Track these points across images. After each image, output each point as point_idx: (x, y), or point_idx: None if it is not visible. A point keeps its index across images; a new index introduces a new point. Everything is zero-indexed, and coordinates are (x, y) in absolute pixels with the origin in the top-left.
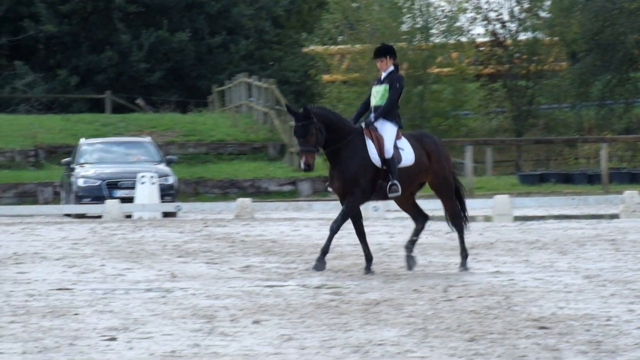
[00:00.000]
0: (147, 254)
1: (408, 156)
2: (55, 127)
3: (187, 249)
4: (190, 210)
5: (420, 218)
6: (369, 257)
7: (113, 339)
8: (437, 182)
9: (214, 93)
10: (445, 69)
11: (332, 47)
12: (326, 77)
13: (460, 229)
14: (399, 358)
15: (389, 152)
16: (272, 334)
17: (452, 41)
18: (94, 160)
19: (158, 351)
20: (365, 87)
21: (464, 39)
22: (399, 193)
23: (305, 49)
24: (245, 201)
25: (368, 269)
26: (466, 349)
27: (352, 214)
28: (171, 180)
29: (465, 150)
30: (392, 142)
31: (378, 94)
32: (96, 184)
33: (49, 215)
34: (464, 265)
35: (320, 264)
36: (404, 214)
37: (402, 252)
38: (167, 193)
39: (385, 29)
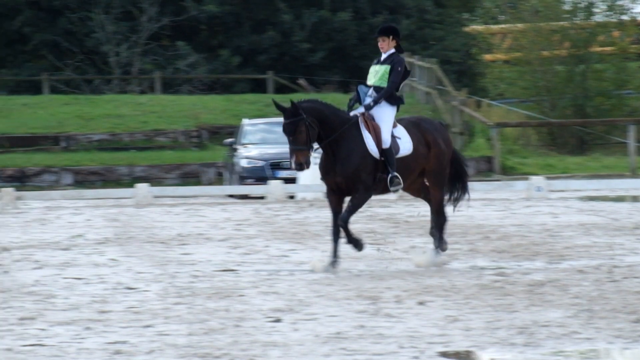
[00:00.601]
0: (311, 235)
1: (406, 145)
2: (217, 107)
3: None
4: None
5: (441, 218)
6: (335, 253)
7: (278, 320)
8: (432, 170)
9: None
10: (608, 48)
11: (493, 26)
12: (488, 56)
13: (442, 223)
14: (564, 339)
15: (386, 142)
16: (437, 315)
17: (614, 20)
18: (256, 140)
19: (323, 332)
20: (527, 67)
21: (626, 18)
22: (402, 185)
23: (466, 28)
24: None
25: (333, 264)
26: (632, 330)
27: (359, 207)
28: None
29: (627, 130)
30: (389, 131)
31: (378, 74)
32: (259, 165)
33: (212, 196)
34: (437, 250)
35: (332, 265)
36: (567, 194)
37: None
38: None
39: (547, 8)
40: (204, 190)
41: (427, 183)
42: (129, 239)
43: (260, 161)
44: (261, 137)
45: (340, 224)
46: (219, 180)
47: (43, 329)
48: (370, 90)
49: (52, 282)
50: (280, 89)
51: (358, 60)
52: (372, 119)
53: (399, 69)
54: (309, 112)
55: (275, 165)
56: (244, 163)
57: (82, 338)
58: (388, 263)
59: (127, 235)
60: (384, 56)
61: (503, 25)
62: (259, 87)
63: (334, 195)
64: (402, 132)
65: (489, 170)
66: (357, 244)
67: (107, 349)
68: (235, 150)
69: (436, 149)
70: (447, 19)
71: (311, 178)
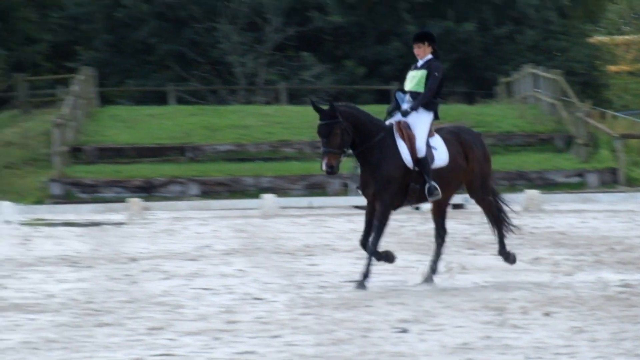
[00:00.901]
0: None
1: (441, 156)
2: None
3: (476, 241)
4: None
5: (441, 231)
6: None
7: (405, 330)
8: (475, 184)
9: (500, 84)
10: None
11: (617, 37)
12: (612, 67)
13: (500, 228)
14: None
15: (421, 150)
16: (563, 326)
17: None
18: None
19: (449, 343)
20: None
21: None
22: (440, 195)
23: (590, 40)
24: (534, 193)
25: (361, 284)
26: None
27: (385, 224)
28: None
29: None
30: (424, 139)
31: (414, 79)
32: None
33: (337, 206)
34: (507, 258)
35: (361, 285)
36: None
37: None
38: None
39: None
40: (329, 201)
41: (471, 197)
42: (256, 250)
43: None
44: None
45: (369, 249)
46: (344, 191)
47: (172, 339)
48: (407, 96)
49: (180, 292)
50: None
51: (482, 71)
52: (408, 127)
53: (437, 74)
54: (345, 117)
55: None
56: None
57: (211, 348)
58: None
59: (254, 246)
60: (420, 62)
61: (627, 36)
62: (383, 97)
63: (374, 210)
64: (438, 143)
65: (613, 182)
66: (387, 257)
67: (236, 359)
68: None
69: (475, 161)
70: (571, 30)
71: None
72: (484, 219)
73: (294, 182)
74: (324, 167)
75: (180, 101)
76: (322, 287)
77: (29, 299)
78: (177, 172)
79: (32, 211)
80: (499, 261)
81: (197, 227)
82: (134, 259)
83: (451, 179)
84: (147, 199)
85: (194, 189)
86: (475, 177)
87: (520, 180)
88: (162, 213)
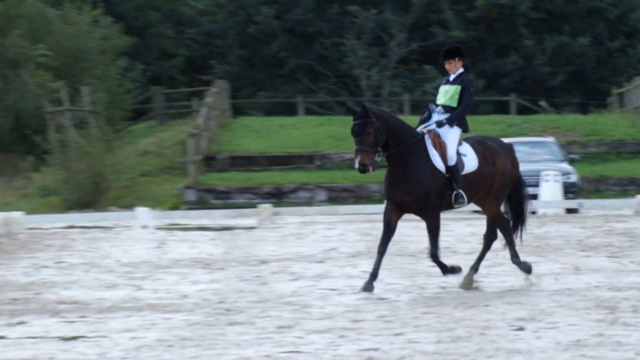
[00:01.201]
0: (552, 248)
1: (471, 162)
2: None
3: (589, 244)
4: (591, 207)
5: (490, 236)
6: (374, 273)
7: (521, 328)
8: (495, 187)
9: (613, 95)
10: None
11: None
12: None
13: (509, 236)
14: None
15: (452, 158)
16: None
17: None
18: None
19: (563, 340)
20: None
21: None
22: (465, 203)
23: None
24: None
25: (370, 285)
26: None
27: (438, 231)
28: (573, 178)
29: None
30: (455, 148)
31: (447, 94)
32: None
33: (458, 211)
34: (521, 266)
35: (368, 287)
36: None
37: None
38: (569, 190)
39: None
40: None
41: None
42: None
43: None
44: None
45: (432, 260)
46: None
47: (300, 337)
48: (439, 108)
49: (308, 292)
50: (522, 110)
51: (596, 83)
52: (439, 136)
53: (472, 89)
54: (378, 117)
55: None
56: None
57: (337, 345)
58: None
59: None
60: (452, 76)
61: None
62: (502, 108)
63: (395, 212)
64: (467, 150)
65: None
66: (453, 270)
67: (360, 356)
68: None
69: (502, 166)
70: None
71: (552, 195)
72: (597, 223)
73: None
74: (356, 165)
75: (309, 112)
76: (442, 287)
77: (164, 299)
78: (305, 179)
79: (168, 216)
80: (612, 262)
81: (324, 231)
82: (264, 261)
83: (480, 184)
84: (276, 205)
85: (322, 195)
86: (500, 181)
87: (632, 186)
88: (291, 218)
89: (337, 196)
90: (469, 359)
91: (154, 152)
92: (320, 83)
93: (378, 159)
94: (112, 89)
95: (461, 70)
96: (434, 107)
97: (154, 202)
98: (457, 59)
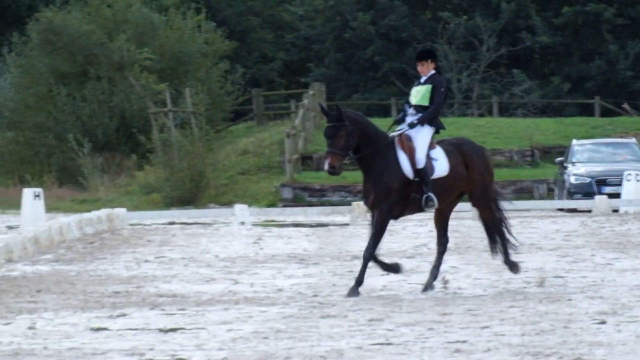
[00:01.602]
0: (633, 245)
1: (442, 167)
2: (549, 129)
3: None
4: None
5: (443, 239)
6: (359, 280)
7: (603, 322)
8: (476, 193)
9: None
10: None
11: None
12: None
13: (503, 238)
14: None
15: (420, 161)
16: None
17: None
18: (584, 159)
19: None
20: None
21: None
22: (436, 206)
23: None
24: None
25: (354, 290)
26: None
27: (382, 233)
28: None
29: None
30: (424, 151)
31: (419, 94)
32: (586, 181)
33: (543, 209)
34: (512, 268)
35: (354, 293)
36: None
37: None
38: None
39: None
40: (536, 204)
41: (473, 206)
42: (468, 249)
43: (587, 178)
44: (588, 157)
45: (364, 255)
46: (550, 195)
47: (390, 329)
48: (411, 110)
49: (398, 287)
50: (605, 113)
51: None
52: (409, 139)
53: (442, 89)
54: (351, 121)
55: (601, 182)
56: (572, 180)
57: (426, 338)
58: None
59: (466, 245)
60: (424, 78)
61: None
62: (586, 110)
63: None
64: (439, 154)
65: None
66: (395, 269)
67: (448, 348)
68: (565, 168)
69: (476, 171)
70: None
71: (634, 193)
72: None
73: (504, 187)
74: (326, 167)
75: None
76: (527, 282)
77: (260, 292)
78: None
79: (265, 213)
80: None
81: (415, 228)
82: (356, 257)
83: (451, 189)
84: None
85: None
86: (476, 186)
87: None
88: None
89: None
90: (553, 351)
91: (253, 152)
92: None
93: (347, 161)
94: (214, 91)
95: (433, 72)
96: (407, 107)
97: (252, 200)
98: (429, 60)
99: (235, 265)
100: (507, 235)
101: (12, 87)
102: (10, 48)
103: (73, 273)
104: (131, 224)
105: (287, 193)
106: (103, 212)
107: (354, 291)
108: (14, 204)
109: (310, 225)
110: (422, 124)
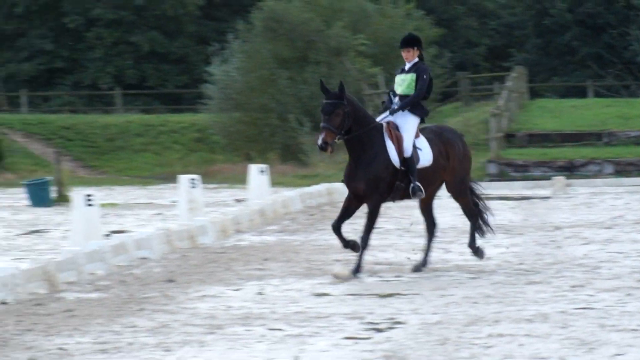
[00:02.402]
0: None
1: (426, 157)
2: None
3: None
4: None
5: (431, 226)
6: (358, 265)
7: None
8: (453, 181)
9: None
10: None
11: None
12: None
13: (474, 222)
14: None
15: (407, 150)
16: None
17: None
18: None
19: None
20: None
21: None
22: (423, 195)
23: None
24: None
25: (354, 274)
26: None
27: (375, 220)
28: None
29: None
30: (411, 139)
31: (404, 83)
32: None
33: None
34: (476, 252)
35: (352, 277)
36: None
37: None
38: None
39: None
40: None
41: (450, 194)
42: None
43: None
44: None
45: (361, 244)
46: None
47: (591, 295)
48: (397, 99)
49: (598, 255)
50: None
51: None
52: (396, 128)
53: (425, 76)
54: (349, 102)
55: None
56: None
57: (624, 303)
58: None
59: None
60: (408, 65)
61: None
62: None
63: (354, 201)
64: (423, 144)
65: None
66: (354, 247)
67: None
68: None
69: (456, 159)
70: None
71: None
72: None
73: None
74: (319, 142)
75: (598, 95)
76: None
77: (469, 261)
78: (594, 154)
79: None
80: None
81: (612, 200)
82: (558, 227)
83: (434, 178)
84: (568, 177)
85: (609, 168)
86: (455, 175)
87: None
88: (582, 189)
89: (623, 169)
90: None
91: (460, 130)
92: (608, 69)
93: (338, 141)
94: None
95: (416, 59)
96: (392, 97)
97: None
98: (415, 48)
99: (446, 235)
100: (481, 222)
101: (237, 71)
102: (236, 35)
103: (297, 243)
104: None
105: (492, 168)
106: (323, 186)
107: (353, 275)
108: (241, 180)
109: (515, 199)
110: (403, 110)
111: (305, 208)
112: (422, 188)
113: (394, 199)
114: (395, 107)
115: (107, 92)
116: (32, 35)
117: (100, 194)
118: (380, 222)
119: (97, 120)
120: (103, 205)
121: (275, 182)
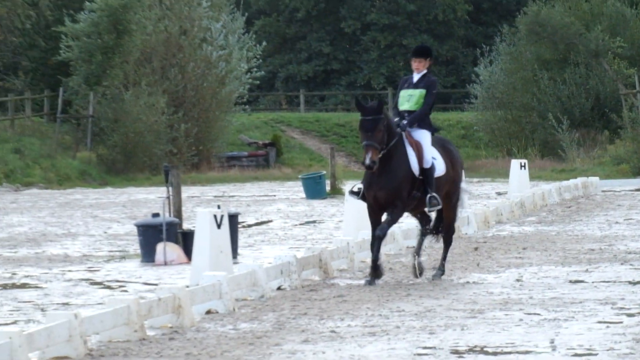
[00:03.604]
0: None
1: (440, 166)
2: None
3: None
4: None
5: (424, 222)
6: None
7: None
8: (452, 191)
9: None
10: None
11: None
12: None
13: (449, 244)
14: None
15: (428, 161)
16: None
17: None
18: None
19: None
20: None
21: None
22: (439, 206)
23: None
24: None
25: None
26: None
27: (389, 227)
28: None
29: None
30: (430, 151)
31: (412, 99)
32: None
33: None
34: (437, 276)
35: (373, 277)
36: None
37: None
38: None
39: None
40: None
41: (444, 205)
42: None
43: None
44: None
45: (378, 235)
46: None
47: None
48: (405, 116)
49: None
50: None
51: None
52: (411, 135)
53: (434, 91)
54: (386, 116)
55: None
56: None
57: None
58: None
59: None
60: (416, 77)
61: None
62: None
63: (376, 210)
64: (436, 154)
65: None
66: (374, 272)
67: None
68: None
69: (456, 170)
70: None
71: None
72: None
73: None
74: (367, 162)
75: None
76: None
77: None
78: None
79: None
80: None
81: None
82: None
83: (443, 188)
84: None
85: None
86: (455, 184)
87: None
88: None
89: None
90: None
91: None
92: None
93: (380, 156)
94: None
95: (425, 70)
96: (398, 113)
97: None
98: (427, 59)
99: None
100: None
101: (502, 72)
102: (502, 38)
103: (554, 233)
104: (603, 191)
105: None
106: (579, 180)
107: (372, 280)
108: (503, 174)
109: None
110: (411, 126)
111: (562, 200)
112: (438, 199)
113: (407, 209)
114: (403, 122)
115: (380, 91)
116: (312, 39)
117: None
118: (632, 214)
119: None
120: None
121: (534, 176)
